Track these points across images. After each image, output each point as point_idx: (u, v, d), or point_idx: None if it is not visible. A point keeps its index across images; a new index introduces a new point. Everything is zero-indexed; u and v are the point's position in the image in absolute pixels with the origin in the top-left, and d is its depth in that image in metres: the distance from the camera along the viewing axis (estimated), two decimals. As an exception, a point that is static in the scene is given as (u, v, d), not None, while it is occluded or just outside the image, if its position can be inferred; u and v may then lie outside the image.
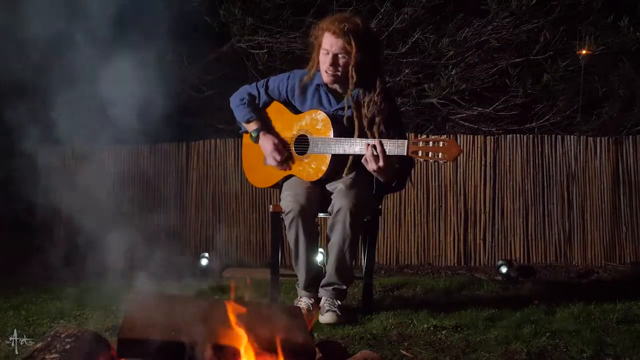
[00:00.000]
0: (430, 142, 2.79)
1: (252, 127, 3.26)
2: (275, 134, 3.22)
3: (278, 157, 3.16)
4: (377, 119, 3.01)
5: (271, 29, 5.60)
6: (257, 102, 3.29)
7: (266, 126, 3.26)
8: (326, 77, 3.08)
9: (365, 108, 3.03)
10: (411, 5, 5.50)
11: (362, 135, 3.01)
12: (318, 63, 3.11)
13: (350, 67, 3.01)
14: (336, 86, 3.14)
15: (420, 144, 2.81)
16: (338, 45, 3.00)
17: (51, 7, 2.58)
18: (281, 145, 3.18)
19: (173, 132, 5.11)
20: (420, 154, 2.80)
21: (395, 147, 2.85)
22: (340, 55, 3.02)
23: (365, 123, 3.02)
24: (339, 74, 3.05)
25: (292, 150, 3.19)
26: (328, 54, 3.02)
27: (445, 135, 2.83)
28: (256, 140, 3.24)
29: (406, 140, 2.84)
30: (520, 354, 2.45)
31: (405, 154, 2.83)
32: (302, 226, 3.02)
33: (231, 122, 5.78)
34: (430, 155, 2.78)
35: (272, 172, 3.26)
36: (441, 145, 2.77)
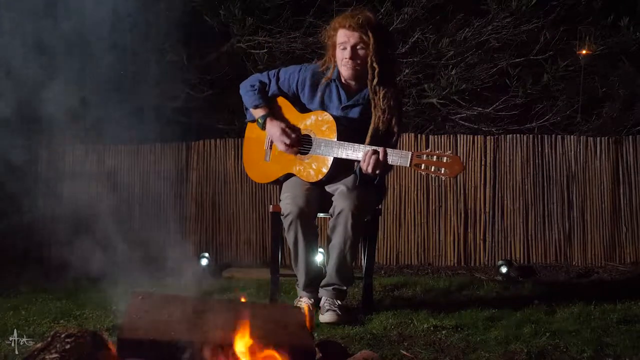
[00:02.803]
0: (434, 157, 2.80)
1: (259, 112, 3.24)
2: (283, 120, 3.21)
3: (287, 141, 3.14)
4: (388, 113, 3.02)
5: (271, 29, 5.60)
6: (266, 90, 3.28)
7: (274, 113, 3.24)
8: (346, 71, 3.08)
9: (380, 100, 3.03)
10: (411, 5, 5.50)
11: (374, 130, 3.02)
12: (333, 62, 3.12)
13: (370, 58, 3.02)
14: (352, 82, 3.14)
15: (424, 157, 2.82)
16: (355, 37, 3.01)
17: (49, 6, 2.58)
18: (289, 129, 3.16)
19: (173, 132, 5.11)
20: (422, 167, 2.81)
21: (398, 157, 2.87)
22: (358, 47, 3.03)
23: (379, 114, 3.02)
24: (359, 67, 3.06)
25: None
26: (345, 48, 3.03)
27: (450, 151, 2.84)
28: (263, 126, 3.22)
29: (410, 152, 2.86)
30: (520, 354, 2.45)
31: (407, 165, 2.85)
32: (300, 228, 3.02)
33: (231, 122, 5.79)
34: (432, 170, 2.81)
35: (272, 169, 3.25)
36: (444, 160, 2.79)
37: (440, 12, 5.62)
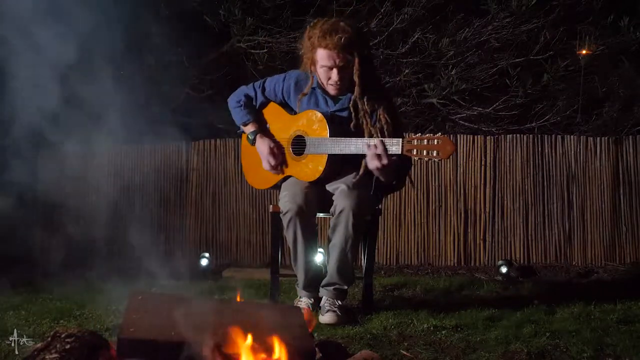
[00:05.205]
0: (425, 141, 2.81)
1: (249, 129, 3.27)
2: (272, 137, 3.23)
3: (272, 162, 3.18)
4: (377, 113, 3.02)
5: (271, 29, 5.60)
6: (254, 103, 3.29)
7: (263, 128, 3.27)
8: (333, 90, 3.09)
9: (366, 104, 3.03)
10: (411, 5, 5.50)
11: (368, 134, 3.01)
12: (312, 73, 3.11)
13: (355, 75, 3.00)
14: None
15: (415, 142, 2.82)
16: (339, 59, 2.97)
17: (48, 4, 2.58)
18: (277, 149, 3.20)
19: (173, 132, 5.11)
20: (414, 152, 2.81)
21: (390, 145, 2.86)
22: (343, 67, 3.00)
23: (366, 119, 3.02)
24: (344, 84, 3.05)
25: (289, 152, 3.19)
26: (331, 69, 3.00)
27: (440, 133, 2.84)
28: (253, 142, 3.26)
29: (401, 139, 2.85)
30: (520, 354, 2.45)
31: (400, 153, 2.84)
32: (299, 226, 3.02)
33: (231, 122, 5.78)
34: (424, 154, 2.80)
35: (269, 174, 3.27)
36: (435, 143, 2.79)
37: (440, 12, 5.62)
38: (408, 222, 5.12)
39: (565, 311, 3.13)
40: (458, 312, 3.09)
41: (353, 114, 3.04)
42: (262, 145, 3.21)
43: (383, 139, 2.89)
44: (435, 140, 2.79)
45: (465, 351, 2.50)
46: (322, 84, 3.11)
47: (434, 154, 2.79)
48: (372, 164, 2.87)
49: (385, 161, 2.85)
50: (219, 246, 5.33)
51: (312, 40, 3.02)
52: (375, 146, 2.85)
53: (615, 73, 5.82)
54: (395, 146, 2.85)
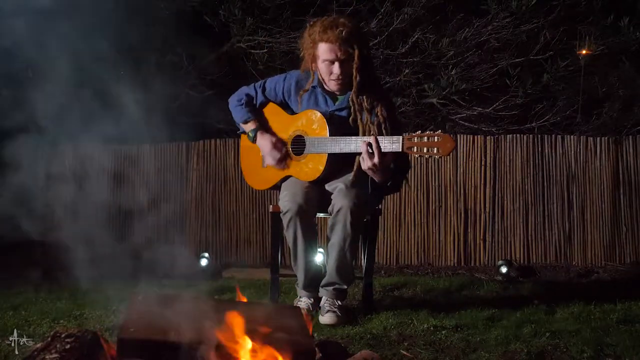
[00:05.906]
0: (425, 138, 2.81)
1: (249, 127, 3.27)
2: (273, 134, 3.23)
3: (277, 156, 3.16)
4: (376, 111, 3.02)
5: (271, 29, 5.60)
6: (254, 102, 3.29)
7: (264, 126, 3.26)
8: (335, 86, 3.09)
9: (364, 100, 3.03)
10: (411, 5, 5.50)
11: (365, 131, 3.02)
12: (313, 71, 3.11)
13: (354, 70, 3.00)
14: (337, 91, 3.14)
15: (415, 139, 2.83)
16: (341, 52, 2.98)
17: (47, 4, 2.58)
18: (279, 144, 3.19)
19: (173, 132, 5.11)
20: (415, 149, 2.82)
21: (390, 143, 2.86)
22: (345, 61, 3.00)
23: (366, 117, 3.02)
24: (347, 79, 3.05)
25: (289, 151, 3.19)
26: (333, 63, 3.01)
27: (440, 131, 2.84)
28: (253, 140, 3.25)
29: (401, 137, 2.86)
30: (520, 354, 2.45)
31: (400, 150, 2.84)
32: (300, 226, 3.02)
33: (231, 122, 5.78)
34: (425, 151, 2.81)
35: (270, 174, 3.27)
36: (436, 140, 2.80)
37: (440, 12, 5.62)
38: (408, 222, 5.12)
39: (565, 311, 3.13)
40: (458, 312, 3.09)
41: (352, 109, 3.04)
42: (264, 141, 3.20)
43: (381, 136, 2.89)
44: (436, 137, 2.80)
45: (465, 351, 2.50)
46: (324, 80, 3.11)
47: (435, 151, 2.79)
48: (365, 163, 2.88)
49: (376, 160, 2.85)
50: (219, 246, 5.33)
51: (312, 36, 3.04)
52: (370, 144, 2.85)
53: (615, 73, 5.82)
54: (395, 144, 2.85)
